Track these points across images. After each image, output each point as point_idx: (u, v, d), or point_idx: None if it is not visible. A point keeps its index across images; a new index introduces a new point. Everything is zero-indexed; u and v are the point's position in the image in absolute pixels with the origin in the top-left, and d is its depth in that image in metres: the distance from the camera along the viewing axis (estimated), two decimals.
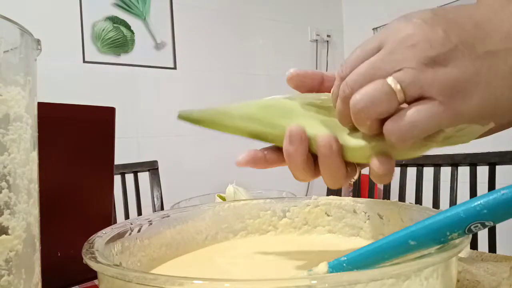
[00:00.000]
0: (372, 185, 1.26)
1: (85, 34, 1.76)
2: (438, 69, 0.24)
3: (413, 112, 0.25)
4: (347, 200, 0.43)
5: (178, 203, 0.67)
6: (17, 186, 0.22)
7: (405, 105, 0.26)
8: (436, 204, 1.10)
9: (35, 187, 0.25)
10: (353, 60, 0.28)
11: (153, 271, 0.36)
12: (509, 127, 0.30)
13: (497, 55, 0.25)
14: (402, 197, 1.17)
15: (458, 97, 0.25)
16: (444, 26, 0.25)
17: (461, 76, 0.25)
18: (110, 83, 1.82)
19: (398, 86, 0.25)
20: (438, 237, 0.24)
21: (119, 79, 1.84)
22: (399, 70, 0.25)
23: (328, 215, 0.44)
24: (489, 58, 0.25)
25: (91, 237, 0.31)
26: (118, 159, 0.59)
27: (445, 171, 1.10)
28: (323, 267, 0.26)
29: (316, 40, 2.52)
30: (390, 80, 0.25)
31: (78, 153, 0.46)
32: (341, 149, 0.30)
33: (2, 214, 0.21)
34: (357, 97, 0.26)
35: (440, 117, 0.25)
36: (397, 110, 0.26)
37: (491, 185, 1.02)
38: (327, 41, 2.57)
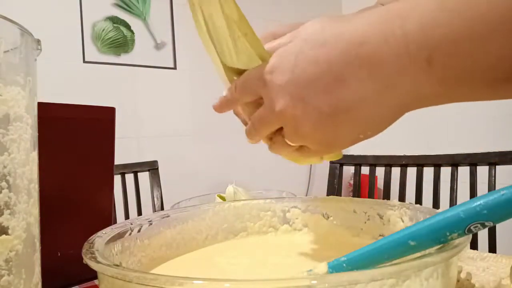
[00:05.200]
0: (372, 185, 1.26)
1: (85, 34, 1.76)
2: (307, 137, 0.31)
3: (304, 151, 0.34)
4: (347, 200, 0.43)
5: (178, 203, 0.67)
6: (17, 186, 0.22)
7: None
8: (436, 204, 1.10)
9: (35, 187, 0.25)
10: (241, 88, 0.35)
11: (153, 271, 0.36)
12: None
13: (352, 107, 0.28)
14: (402, 197, 1.17)
15: (329, 148, 0.32)
16: (305, 90, 0.29)
17: (329, 136, 0.31)
18: (110, 83, 1.82)
19: (292, 144, 0.34)
20: (438, 237, 0.24)
21: (119, 79, 1.84)
22: (284, 130, 0.33)
23: (328, 216, 0.44)
24: (347, 112, 0.29)
25: (91, 237, 0.31)
26: (118, 159, 0.59)
27: (445, 171, 1.10)
28: (323, 267, 0.26)
29: None
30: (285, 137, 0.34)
31: (78, 153, 0.46)
32: None
33: (2, 214, 0.21)
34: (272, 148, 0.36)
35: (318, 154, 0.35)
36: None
37: (491, 185, 1.02)
38: None
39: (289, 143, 0.33)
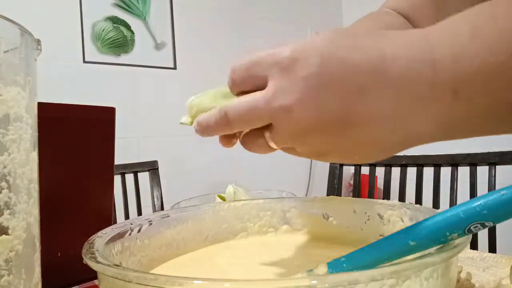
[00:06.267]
0: (372, 185, 1.26)
1: (85, 34, 1.76)
2: (306, 138, 0.28)
3: (287, 150, 0.31)
4: (347, 200, 0.43)
5: (178, 203, 0.67)
6: (17, 186, 0.22)
7: None
8: (436, 204, 1.10)
9: (35, 187, 0.25)
10: (242, 72, 0.30)
11: (153, 271, 0.36)
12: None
13: (363, 124, 0.26)
14: (402, 197, 1.17)
15: (320, 156, 0.29)
16: (324, 89, 0.26)
17: (323, 146, 0.28)
18: (110, 83, 1.82)
19: (275, 146, 0.30)
20: (438, 237, 0.24)
21: (119, 79, 1.84)
22: (274, 129, 0.28)
23: (328, 216, 0.44)
24: (357, 128, 0.26)
25: (91, 237, 0.31)
26: (118, 159, 0.59)
27: (445, 171, 1.10)
28: (323, 267, 0.26)
29: None
30: (267, 136, 0.29)
31: (78, 153, 0.46)
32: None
33: (2, 214, 0.21)
34: (245, 146, 0.32)
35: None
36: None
37: (491, 185, 1.02)
38: None
39: (272, 143, 0.29)
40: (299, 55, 0.26)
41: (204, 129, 0.32)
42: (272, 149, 0.31)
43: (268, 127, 0.29)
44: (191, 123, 0.35)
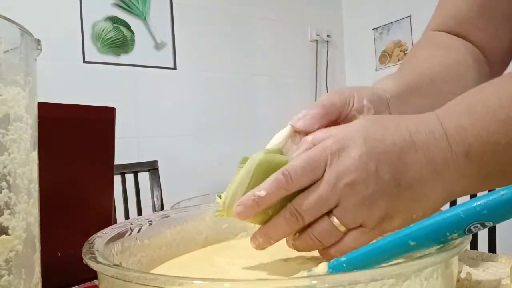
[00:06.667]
0: None
1: (85, 34, 1.76)
2: (372, 205, 0.31)
3: (352, 241, 0.32)
4: None
5: (178, 203, 0.67)
6: (17, 186, 0.22)
7: None
8: None
9: (35, 187, 0.25)
10: (299, 175, 0.32)
11: (153, 271, 0.36)
12: None
13: (413, 184, 0.31)
14: None
15: (386, 223, 0.31)
16: (375, 162, 0.30)
17: (388, 209, 0.31)
18: (110, 83, 1.82)
19: (343, 227, 0.32)
20: (438, 237, 0.24)
21: (119, 79, 1.84)
22: (340, 208, 0.31)
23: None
24: (408, 189, 0.31)
25: (91, 237, 0.31)
26: (118, 159, 0.59)
27: None
28: (323, 267, 0.26)
29: (316, 40, 2.52)
30: (334, 220, 0.31)
31: (78, 153, 0.46)
32: None
33: (2, 214, 0.21)
34: (311, 237, 0.33)
35: (371, 239, 0.32)
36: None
37: None
38: (327, 41, 2.57)
39: (340, 226, 0.31)
40: (346, 142, 0.31)
41: (274, 235, 0.34)
42: (338, 233, 0.32)
43: (330, 213, 0.32)
44: (228, 214, 0.35)
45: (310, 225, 0.33)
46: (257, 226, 0.36)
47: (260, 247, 0.35)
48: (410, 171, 0.31)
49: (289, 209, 0.32)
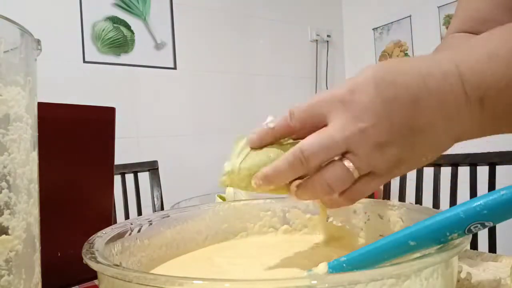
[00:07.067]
0: None
1: (85, 34, 1.76)
2: (384, 151, 0.30)
3: (363, 186, 0.32)
4: None
5: (178, 203, 0.67)
6: (17, 186, 0.22)
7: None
8: (436, 204, 1.10)
9: (35, 187, 0.25)
10: (302, 112, 0.32)
11: (153, 271, 0.36)
12: None
13: (426, 129, 0.30)
14: (402, 197, 1.17)
15: (397, 168, 0.31)
16: (387, 106, 0.29)
17: (401, 153, 0.30)
18: (110, 83, 1.82)
19: (356, 172, 0.31)
20: (438, 237, 0.24)
21: (119, 79, 1.84)
22: (353, 153, 0.30)
23: (328, 216, 0.44)
24: (420, 133, 0.30)
25: (91, 237, 0.31)
26: (118, 159, 0.59)
27: (445, 171, 1.10)
28: (323, 267, 0.26)
29: (316, 40, 2.52)
30: (347, 164, 0.31)
31: (78, 153, 0.46)
32: None
33: (2, 214, 0.21)
34: (320, 183, 0.31)
35: (380, 184, 0.32)
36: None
37: (491, 185, 1.02)
38: (327, 41, 2.57)
39: (355, 171, 0.31)
40: (355, 87, 0.30)
41: (274, 178, 0.33)
42: (351, 178, 0.31)
43: (343, 158, 0.31)
44: (232, 183, 0.36)
45: (318, 171, 0.32)
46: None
47: (259, 188, 0.34)
48: (422, 116, 0.30)
49: (293, 152, 0.31)
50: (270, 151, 0.34)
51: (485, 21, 0.51)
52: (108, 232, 0.33)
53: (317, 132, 0.31)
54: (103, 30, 1.80)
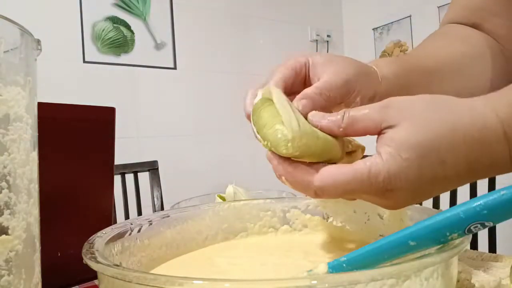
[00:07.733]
0: None
1: (85, 34, 1.76)
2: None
3: None
4: (347, 201, 0.43)
5: (178, 203, 0.67)
6: (17, 186, 0.22)
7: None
8: (436, 204, 1.10)
9: (35, 187, 0.25)
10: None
11: (153, 271, 0.36)
12: None
13: (451, 178, 0.29)
14: None
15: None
16: (420, 159, 0.28)
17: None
18: (110, 83, 1.82)
19: None
20: (438, 237, 0.24)
21: (119, 79, 1.84)
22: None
23: (328, 216, 0.44)
24: (442, 182, 0.29)
25: (91, 237, 0.31)
26: (118, 159, 0.59)
27: None
28: (323, 267, 0.26)
29: (316, 40, 2.52)
30: None
31: (78, 153, 0.46)
32: None
33: (2, 214, 0.21)
34: None
35: None
36: None
37: (491, 185, 1.02)
38: (327, 41, 2.57)
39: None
40: (394, 186, 0.29)
41: (292, 183, 0.32)
42: None
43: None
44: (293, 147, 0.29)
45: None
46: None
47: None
48: (449, 170, 0.28)
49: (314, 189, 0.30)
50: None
51: (478, 10, 0.52)
52: (108, 232, 0.33)
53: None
54: (103, 30, 1.80)
